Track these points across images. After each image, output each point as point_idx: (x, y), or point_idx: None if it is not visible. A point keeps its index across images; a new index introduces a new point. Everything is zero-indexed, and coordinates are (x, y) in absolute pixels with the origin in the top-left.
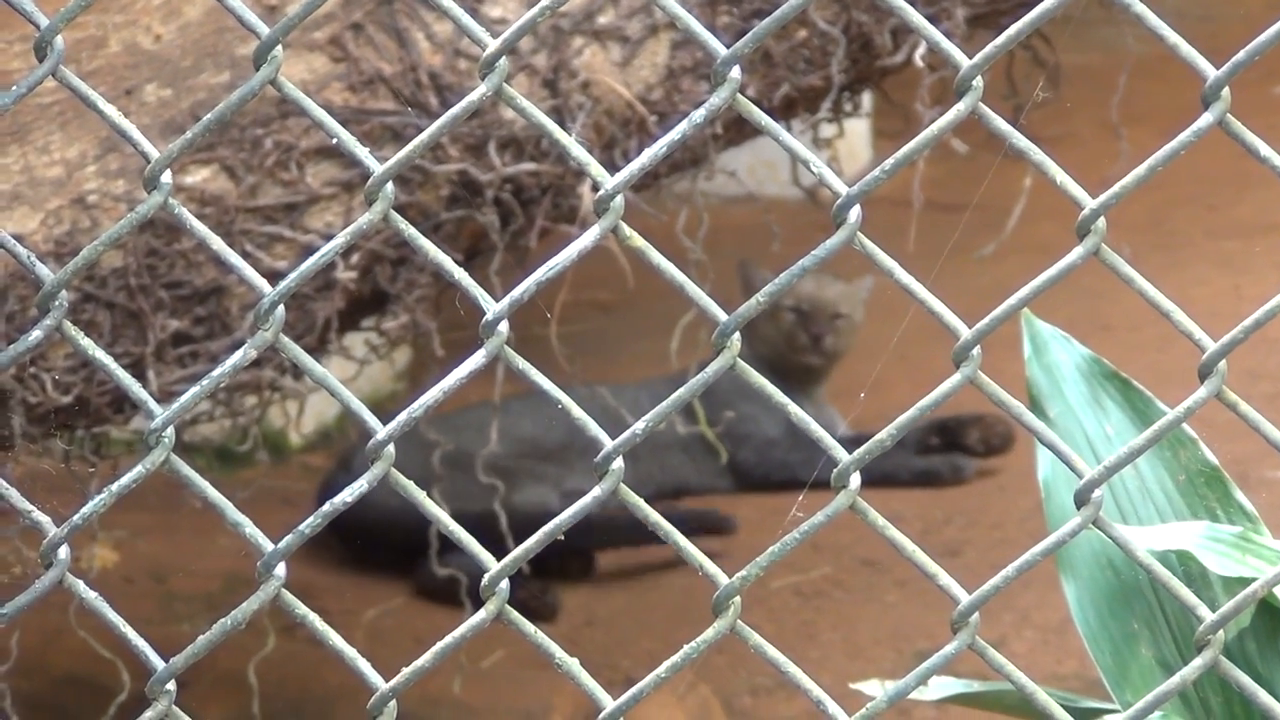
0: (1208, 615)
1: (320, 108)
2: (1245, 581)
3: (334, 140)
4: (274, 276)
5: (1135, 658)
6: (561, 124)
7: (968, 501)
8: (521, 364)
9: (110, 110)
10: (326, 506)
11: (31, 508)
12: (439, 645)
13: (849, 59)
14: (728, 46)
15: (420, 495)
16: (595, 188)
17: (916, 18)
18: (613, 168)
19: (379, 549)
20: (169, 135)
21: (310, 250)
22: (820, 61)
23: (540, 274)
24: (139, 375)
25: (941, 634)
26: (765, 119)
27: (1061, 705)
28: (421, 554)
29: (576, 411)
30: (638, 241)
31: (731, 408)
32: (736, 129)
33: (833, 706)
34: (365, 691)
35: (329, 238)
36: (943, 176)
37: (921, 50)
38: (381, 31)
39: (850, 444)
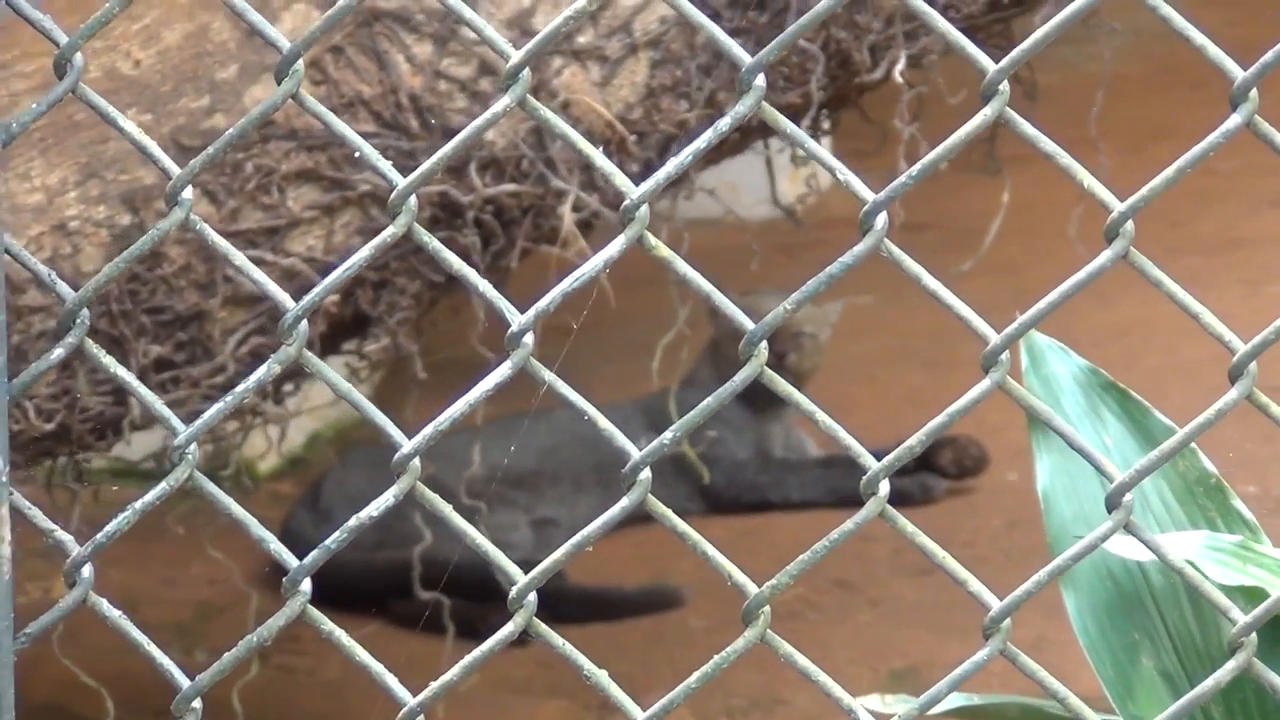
0: (1240, 618)
1: (309, 129)
2: (1246, 590)
3: (356, 154)
4: (255, 301)
5: (1136, 668)
6: (542, 143)
7: (939, 520)
8: (548, 375)
9: (130, 127)
10: (353, 520)
11: (54, 527)
12: (467, 659)
13: (828, 76)
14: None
15: (446, 509)
16: (618, 200)
17: (942, 23)
18: (593, 187)
19: (341, 599)
20: (149, 160)
21: (292, 274)
22: (799, 79)
23: (566, 284)
24: (121, 401)
25: (915, 652)
26: (791, 126)
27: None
28: (386, 598)
29: (603, 423)
30: (663, 251)
31: (705, 429)
32: (715, 148)
33: (864, 715)
34: (344, 718)
35: (310, 261)
36: (907, 195)
37: (900, 66)
38: (361, 54)
39: (821, 464)
